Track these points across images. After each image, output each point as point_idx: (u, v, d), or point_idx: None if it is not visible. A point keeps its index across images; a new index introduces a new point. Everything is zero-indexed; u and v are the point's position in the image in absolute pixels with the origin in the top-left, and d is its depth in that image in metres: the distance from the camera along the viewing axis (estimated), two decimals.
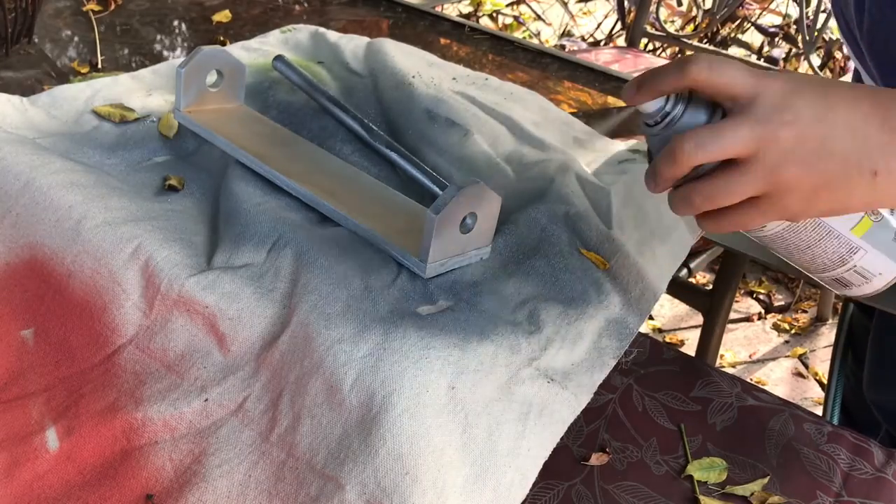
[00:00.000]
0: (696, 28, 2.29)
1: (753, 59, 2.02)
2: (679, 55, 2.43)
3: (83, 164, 0.65)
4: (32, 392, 0.54)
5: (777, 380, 1.77)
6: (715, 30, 2.38)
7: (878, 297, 0.57)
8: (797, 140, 0.45)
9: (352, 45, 0.89)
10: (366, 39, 0.91)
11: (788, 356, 1.84)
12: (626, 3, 2.32)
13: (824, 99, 0.46)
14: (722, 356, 1.79)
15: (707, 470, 0.64)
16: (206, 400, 0.52)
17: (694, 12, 2.32)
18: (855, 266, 0.55)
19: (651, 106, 0.49)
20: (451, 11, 2.28)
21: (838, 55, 2.26)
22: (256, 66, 0.82)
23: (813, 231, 0.53)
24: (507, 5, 2.62)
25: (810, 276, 0.58)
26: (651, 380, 0.73)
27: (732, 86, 0.46)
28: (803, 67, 2.31)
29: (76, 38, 0.97)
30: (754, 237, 0.56)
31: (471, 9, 2.57)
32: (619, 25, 2.49)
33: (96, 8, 1.05)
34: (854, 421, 1.04)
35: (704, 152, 0.45)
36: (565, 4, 2.62)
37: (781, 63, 2.29)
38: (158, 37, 1.01)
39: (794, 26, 2.29)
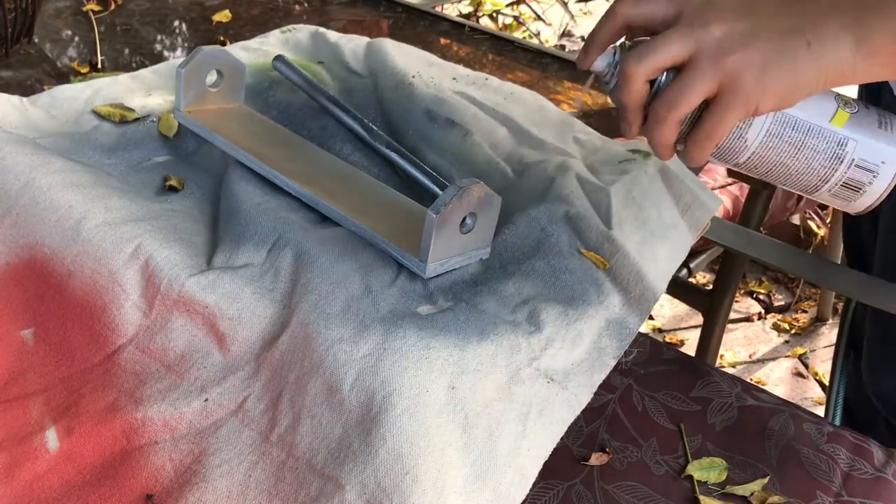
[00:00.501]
0: None
1: None
2: None
3: (83, 164, 0.65)
4: (32, 392, 0.54)
5: (777, 380, 1.77)
6: None
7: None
8: (729, 28, 0.48)
9: (352, 45, 0.89)
10: (366, 39, 0.91)
11: (788, 356, 1.84)
12: None
13: None
14: (722, 356, 1.79)
15: (707, 470, 0.64)
16: (206, 400, 0.52)
17: None
18: (854, 160, 0.53)
19: (601, 63, 0.52)
20: (451, 11, 2.28)
21: None
22: (256, 66, 0.82)
23: (793, 132, 0.53)
24: (507, 5, 2.62)
25: (821, 198, 0.56)
26: (651, 380, 0.73)
27: (657, 8, 0.50)
28: None
29: (76, 38, 0.97)
30: (747, 166, 0.56)
31: (471, 9, 2.56)
32: None
33: (96, 8, 1.05)
34: (854, 419, 1.04)
35: (648, 61, 0.49)
36: (565, 4, 2.62)
37: None
38: (158, 37, 1.01)
39: None
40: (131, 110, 0.73)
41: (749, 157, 0.55)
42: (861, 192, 0.54)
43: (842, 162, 0.53)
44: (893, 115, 0.55)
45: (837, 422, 1.05)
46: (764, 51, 0.48)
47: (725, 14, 0.49)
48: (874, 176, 0.53)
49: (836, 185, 0.54)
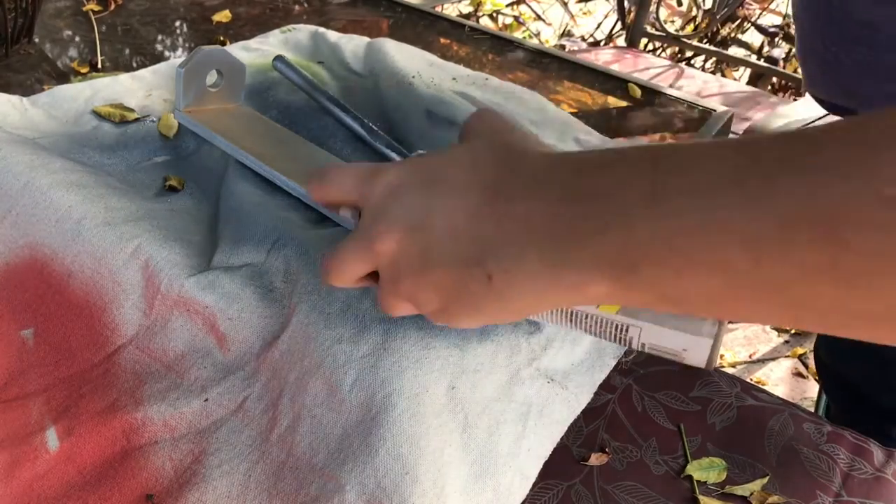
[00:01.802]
0: (696, 28, 2.29)
1: (753, 58, 2.02)
2: (679, 55, 2.43)
3: (83, 164, 0.65)
4: (32, 392, 0.54)
5: (777, 380, 1.77)
6: (715, 30, 2.39)
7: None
8: (399, 252, 0.41)
9: (352, 45, 0.89)
10: (366, 39, 0.91)
11: (788, 356, 1.84)
12: (626, 3, 2.32)
13: (426, 199, 0.40)
14: (722, 356, 1.79)
15: (706, 470, 0.64)
16: (206, 400, 0.52)
17: (694, 12, 2.33)
18: (644, 345, 0.44)
19: (347, 224, 0.50)
20: (451, 11, 2.29)
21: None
22: (256, 66, 0.82)
23: (567, 321, 0.45)
24: (507, 5, 2.62)
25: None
26: (651, 380, 0.73)
27: (346, 195, 0.44)
28: None
29: (76, 38, 0.97)
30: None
31: (471, 9, 2.57)
32: (619, 25, 2.49)
33: (96, 8, 1.05)
34: (854, 419, 1.05)
35: (339, 280, 0.44)
36: (565, 4, 2.62)
37: (781, 63, 2.29)
38: (158, 37, 1.01)
39: (795, 26, 2.29)
40: (131, 110, 0.73)
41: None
42: (677, 357, 0.44)
43: (630, 344, 0.45)
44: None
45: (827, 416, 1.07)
46: (439, 288, 0.40)
47: (396, 229, 0.40)
48: (681, 357, 0.44)
49: (642, 350, 0.45)
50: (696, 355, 0.43)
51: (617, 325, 0.44)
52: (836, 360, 1.04)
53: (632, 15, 2.03)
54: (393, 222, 0.40)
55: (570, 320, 0.45)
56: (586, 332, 0.45)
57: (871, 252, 0.28)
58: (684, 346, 0.43)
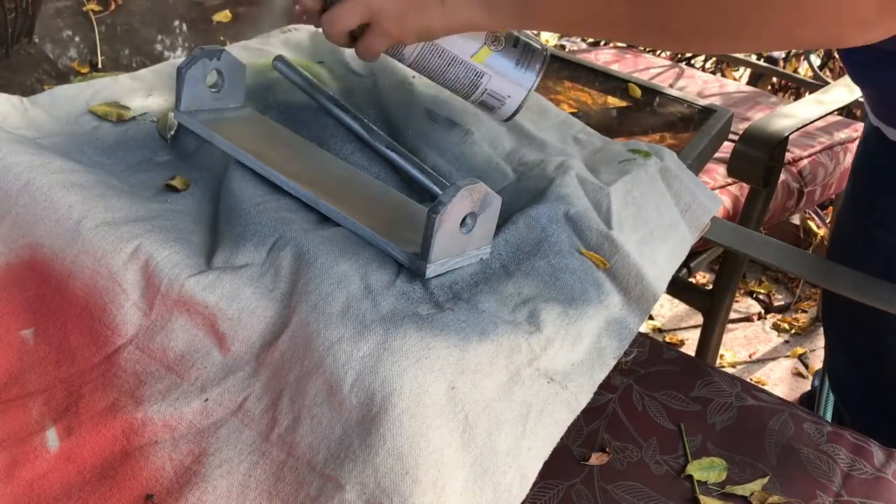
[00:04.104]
0: None
1: (753, 58, 2.02)
2: (679, 56, 2.43)
3: (83, 164, 0.65)
4: (32, 392, 0.54)
5: (777, 380, 1.77)
6: None
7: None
8: None
9: None
10: None
11: (788, 356, 1.84)
12: None
13: None
14: (722, 356, 1.79)
15: (707, 470, 0.64)
16: (206, 400, 0.52)
17: None
18: (487, 90, 0.70)
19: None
20: None
21: (838, 55, 2.26)
22: (256, 66, 0.82)
23: (440, 57, 0.69)
24: None
25: (474, 104, 0.73)
26: (651, 380, 0.73)
27: None
28: (803, 67, 2.31)
29: (76, 38, 0.97)
30: (414, 69, 0.71)
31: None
32: None
33: (96, 8, 1.05)
34: (854, 419, 1.04)
35: (339, 27, 0.65)
36: None
37: (781, 63, 2.29)
38: (158, 37, 1.01)
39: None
40: (127, 108, 0.73)
41: (411, 64, 0.70)
42: (495, 111, 0.72)
43: (477, 88, 0.70)
44: (538, 56, 0.70)
45: (828, 417, 1.06)
46: (405, 4, 0.62)
47: None
48: (502, 104, 0.71)
49: (476, 101, 0.71)
50: (512, 101, 0.70)
51: (477, 71, 0.69)
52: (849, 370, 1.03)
53: None
54: None
55: (448, 63, 0.69)
56: (448, 75, 0.70)
57: None
58: (510, 93, 0.70)
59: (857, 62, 0.86)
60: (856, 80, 0.90)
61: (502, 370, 0.53)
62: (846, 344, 1.05)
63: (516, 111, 0.71)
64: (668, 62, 1.87)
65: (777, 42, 0.62)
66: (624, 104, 0.96)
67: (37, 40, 0.93)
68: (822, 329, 1.92)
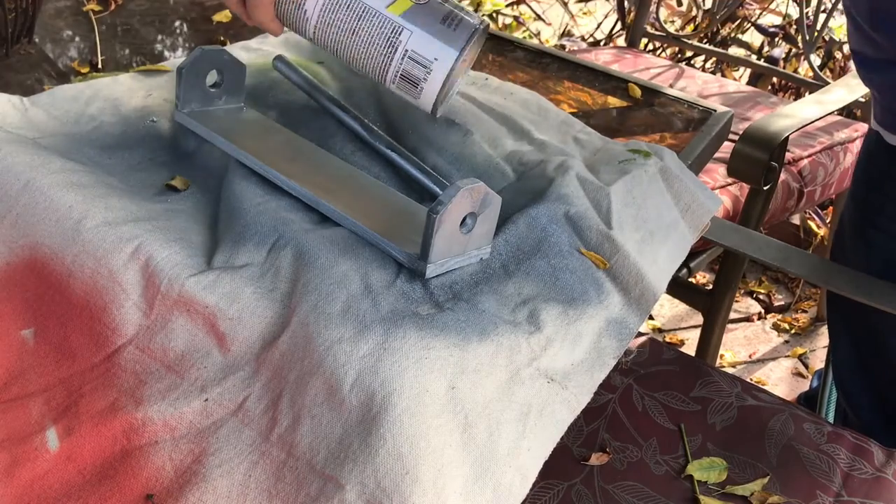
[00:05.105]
0: (696, 28, 2.29)
1: (753, 58, 2.02)
2: (679, 55, 2.43)
3: (83, 164, 0.65)
4: (32, 392, 0.54)
5: (777, 380, 1.77)
6: (715, 30, 2.38)
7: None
8: None
9: None
10: None
11: (788, 356, 1.84)
12: (626, 3, 2.31)
13: None
14: (722, 356, 1.79)
15: (707, 470, 0.64)
16: (206, 400, 0.52)
17: (694, 12, 2.32)
18: (408, 51, 0.55)
19: None
20: None
21: (838, 55, 2.26)
22: (256, 66, 0.82)
23: (348, 11, 0.56)
24: (507, 5, 2.62)
25: (394, 90, 0.59)
26: (651, 380, 0.73)
27: None
28: (803, 67, 2.31)
29: (76, 38, 0.97)
30: (319, 42, 0.60)
31: (471, 9, 2.56)
32: (619, 25, 2.49)
33: (96, 8, 1.05)
34: (854, 418, 1.05)
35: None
36: (565, 4, 2.62)
37: (781, 63, 2.29)
38: (158, 37, 1.01)
39: (794, 26, 2.29)
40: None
41: (314, 31, 0.58)
42: (419, 87, 0.56)
43: (396, 51, 0.55)
44: (467, 15, 0.57)
45: (830, 419, 1.06)
46: None
47: None
48: (428, 72, 0.55)
49: (396, 75, 0.57)
50: (440, 67, 0.54)
51: (393, 27, 0.55)
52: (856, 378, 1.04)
53: (632, 15, 2.03)
54: None
55: (359, 17, 0.55)
56: (359, 35, 0.56)
57: None
58: (436, 55, 0.54)
59: (864, 62, 0.87)
60: (865, 82, 0.91)
61: (502, 370, 0.53)
62: (850, 343, 1.05)
63: (445, 88, 0.57)
64: (668, 62, 1.87)
65: None
66: (624, 104, 0.96)
67: (37, 40, 0.93)
68: (822, 329, 1.93)
